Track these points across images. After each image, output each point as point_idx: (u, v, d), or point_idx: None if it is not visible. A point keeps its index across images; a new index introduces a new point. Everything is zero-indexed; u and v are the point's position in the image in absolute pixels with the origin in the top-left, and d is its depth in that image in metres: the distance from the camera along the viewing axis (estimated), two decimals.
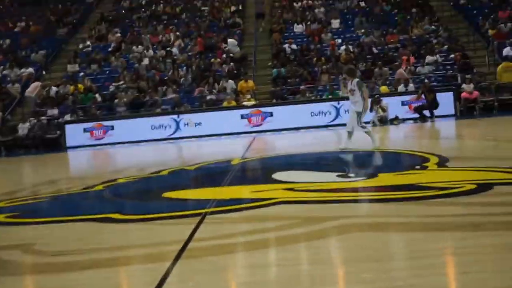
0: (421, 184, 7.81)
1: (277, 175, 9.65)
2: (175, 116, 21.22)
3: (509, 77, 21.92)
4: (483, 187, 7.10)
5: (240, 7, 31.96)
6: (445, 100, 20.28)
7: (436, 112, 19.93)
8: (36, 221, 7.67)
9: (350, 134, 12.30)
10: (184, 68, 25.33)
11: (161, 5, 33.00)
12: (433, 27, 27.01)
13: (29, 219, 7.84)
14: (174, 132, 21.09)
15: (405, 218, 6.14)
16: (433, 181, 7.94)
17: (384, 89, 21.71)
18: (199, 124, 21.03)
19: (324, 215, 6.45)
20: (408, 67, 23.38)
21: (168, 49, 27.03)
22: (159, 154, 17.53)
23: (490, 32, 25.46)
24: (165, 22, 30.78)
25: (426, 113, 20.04)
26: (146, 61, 26.17)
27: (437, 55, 23.99)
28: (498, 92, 21.50)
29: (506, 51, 23.51)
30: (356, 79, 12.42)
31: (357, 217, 6.29)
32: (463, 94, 20.85)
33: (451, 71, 23.19)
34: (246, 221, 6.52)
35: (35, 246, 6.08)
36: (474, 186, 7.22)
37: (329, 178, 9.00)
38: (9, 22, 32.90)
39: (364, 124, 12.45)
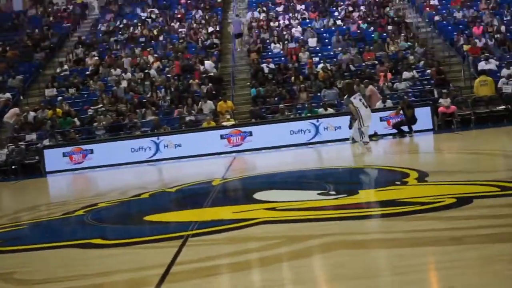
0: (401, 200, 7.85)
1: (258, 195, 9.64)
2: (154, 138, 21.15)
3: (486, 91, 22.20)
4: (462, 201, 7.16)
5: (218, 28, 32.08)
6: (423, 115, 20.43)
7: (414, 127, 20.09)
8: (17, 248, 7.58)
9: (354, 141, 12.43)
10: (163, 90, 25.32)
11: (139, 27, 33.02)
12: (409, 43, 27.31)
13: (9, 247, 7.74)
14: (154, 154, 20.98)
15: (387, 234, 6.17)
16: (414, 196, 7.99)
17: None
18: (179, 145, 20.97)
19: (306, 233, 6.45)
20: (386, 83, 23.59)
21: (146, 71, 27.02)
22: (140, 176, 17.43)
23: (465, 47, 25.80)
24: (142, 44, 30.78)
25: (405, 128, 20.17)
26: (124, 83, 26.11)
27: (414, 71, 24.24)
28: (474, 105, 21.75)
29: (481, 65, 23.82)
30: (345, 96, 12.56)
31: (340, 234, 6.29)
32: (441, 109, 21.05)
33: (428, 86, 23.42)
34: (229, 243, 6.50)
35: (16, 275, 6.00)
36: (454, 200, 7.27)
37: (310, 196, 9.01)
38: None
39: (366, 140, 12.42)
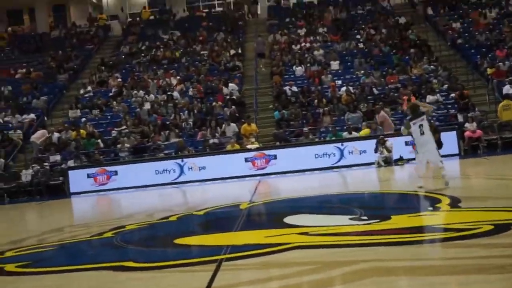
0: (436, 226, 7.76)
1: (288, 219, 9.58)
2: (179, 161, 21.14)
3: (509, 115, 22.01)
4: (500, 228, 7.05)
5: (240, 50, 32.22)
6: (449, 140, 20.15)
7: (440, 152, 19.83)
8: (49, 270, 7.59)
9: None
10: (186, 112, 25.40)
11: (161, 49, 33.25)
12: (432, 66, 27.20)
13: (41, 268, 7.75)
14: (179, 177, 20.95)
15: (425, 261, 6.09)
16: (449, 222, 7.89)
17: (365, 131, 21.64)
18: (203, 168, 20.95)
19: (342, 259, 6.39)
20: None
21: (169, 93, 27.14)
22: (166, 199, 17.43)
23: (489, 71, 25.64)
24: (165, 66, 30.98)
25: None
26: (147, 105, 26.24)
27: (438, 95, 24.09)
28: (500, 130, 21.55)
29: (506, 89, 23.61)
30: (407, 118, 12.55)
31: (376, 261, 6.22)
32: (467, 133, 20.85)
33: (452, 110, 23.24)
34: (264, 267, 6.45)
35: None
36: (491, 227, 7.17)
37: (342, 221, 8.94)
38: (10, 69, 33.08)
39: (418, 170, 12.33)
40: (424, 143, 12.03)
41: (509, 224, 7.24)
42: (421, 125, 11.91)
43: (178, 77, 28.88)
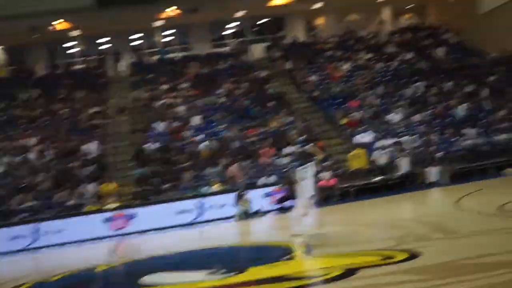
0: (289, 275, 7.86)
1: (145, 279, 9.34)
2: (34, 225, 20.12)
3: (358, 163, 23.20)
4: (349, 272, 7.30)
5: (101, 108, 31.59)
6: None
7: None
8: None
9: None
10: (43, 173, 24.41)
11: (19, 109, 31.88)
12: (290, 118, 28.01)
13: None
14: (33, 242, 19.92)
15: None
16: (301, 270, 8.04)
17: (217, 186, 21.98)
18: (60, 231, 20.05)
19: None
20: (269, 159, 23.99)
21: (25, 154, 26.04)
22: (18, 267, 16.42)
23: (343, 121, 26.85)
24: (22, 126, 29.73)
25: (288, 203, 20.31)
26: (1, 168, 25.01)
27: (295, 146, 24.78)
28: (353, 178, 22.54)
29: (357, 138, 24.90)
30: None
31: None
32: (321, 183, 21.56)
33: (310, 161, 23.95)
34: None
35: None
36: (340, 272, 7.41)
37: (199, 277, 8.86)
38: None
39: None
40: (304, 189, 12.10)
41: (356, 268, 7.50)
42: (306, 171, 12.04)
43: (37, 137, 27.81)
